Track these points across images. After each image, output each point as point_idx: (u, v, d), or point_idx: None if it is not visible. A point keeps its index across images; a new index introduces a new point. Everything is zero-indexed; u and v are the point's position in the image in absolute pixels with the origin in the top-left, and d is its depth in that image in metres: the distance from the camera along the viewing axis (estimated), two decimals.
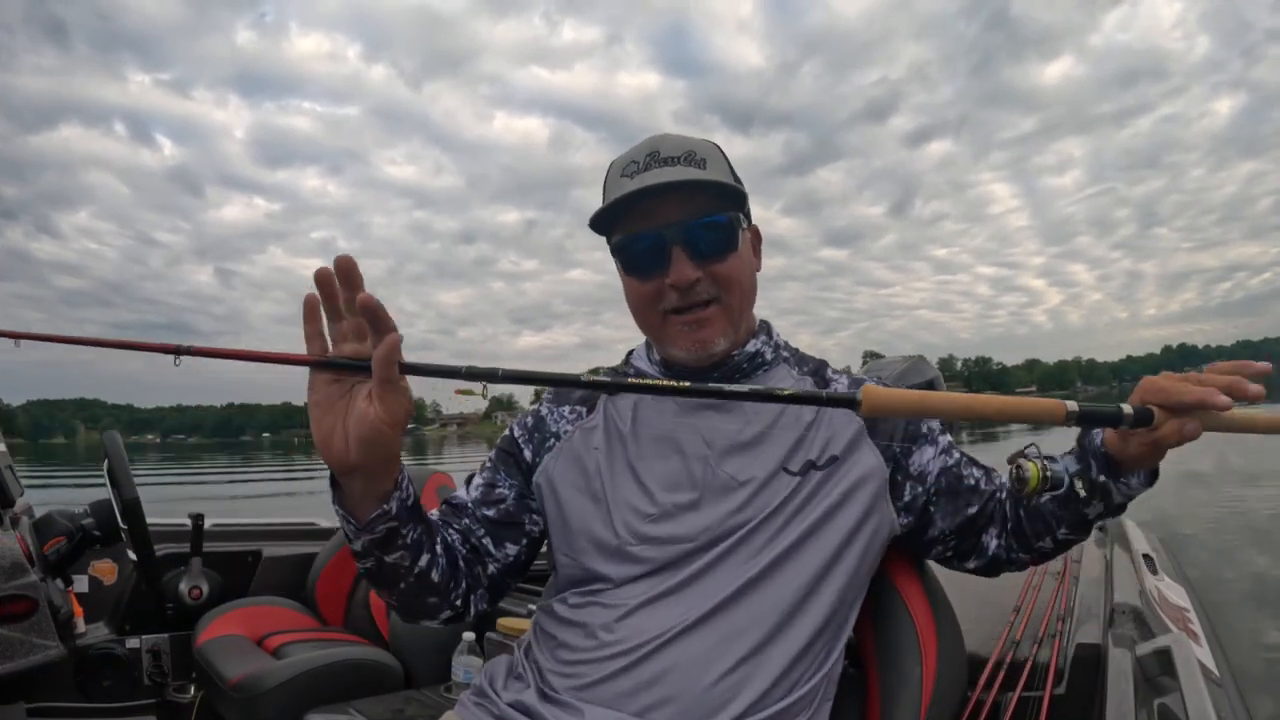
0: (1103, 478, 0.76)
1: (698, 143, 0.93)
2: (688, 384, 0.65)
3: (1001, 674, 1.17)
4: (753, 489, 0.88)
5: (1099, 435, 0.77)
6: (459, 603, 0.91)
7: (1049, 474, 0.71)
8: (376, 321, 0.67)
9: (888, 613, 0.97)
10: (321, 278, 0.68)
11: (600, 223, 0.94)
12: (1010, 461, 0.73)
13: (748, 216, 0.96)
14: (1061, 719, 1.11)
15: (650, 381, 0.67)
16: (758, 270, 0.99)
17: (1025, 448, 0.73)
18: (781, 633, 0.84)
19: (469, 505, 0.97)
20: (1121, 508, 0.81)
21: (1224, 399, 0.64)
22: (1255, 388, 0.65)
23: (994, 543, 0.92)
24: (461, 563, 0.91)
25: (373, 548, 0.79)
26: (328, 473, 0.77)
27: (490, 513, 0.96)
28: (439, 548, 0.87)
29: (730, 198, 0.91)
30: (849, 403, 0.61)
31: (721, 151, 0.95)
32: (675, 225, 0.88)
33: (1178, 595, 1.61)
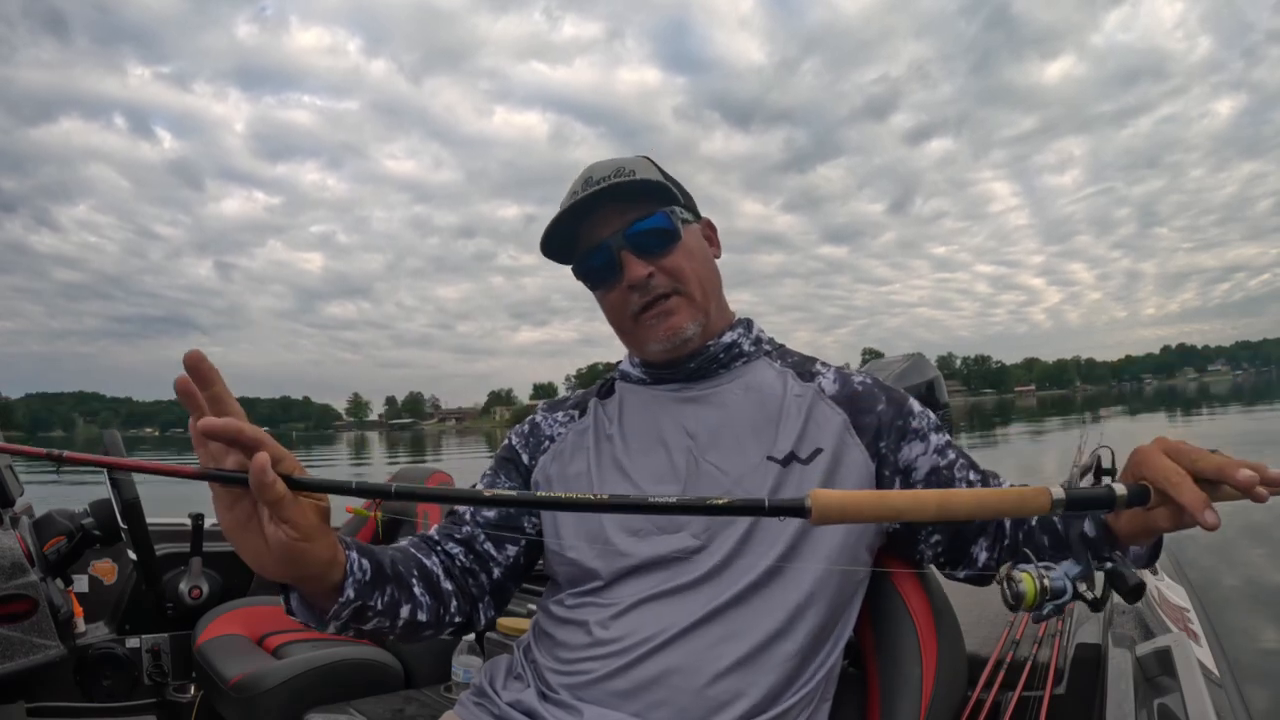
0: (1110, 564, 0.69)
1: (627, 159, 0.98)
2: (607, 496, 0.55)
3: (1001, 674, 1.17)
4: (735, 479, 0.89)
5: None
6: (458, 620, 0.92)
7: (1047, 583, 0.65)
8: (234, 442, 0.60)
9: (888, 613, 0.97)
10: (181, 390, 0.59)
11: (560, 255, 0.98)
12: (1000, 579, 0.67)
13: (691, 209, 1.00)
14: (1061, 719, 1.11)
15: (575, 497, 0.56)
16: (717, 257, 1.03)
17: (1013, 566, 0.67)
18: (780, 634, 0.84)
19: (470, 509, 0.98)
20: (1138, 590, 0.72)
21: (1213, 519, 0.59)
22: (1245, 478, 0.58)
23: (984, 555, 0.92)
24: (452, 584, 0.91)
25: (345, 626, 0.77)
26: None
27: (490, 514, 0.97)
28: (418, 589, 0.86)
29: (660, 196, 0.94)
30: (796, 512, 0.53)
31: (653, 161, 1.00)
32: (617, 233, 0.93)
33: (1178, 595, 1.61)
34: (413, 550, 0.91)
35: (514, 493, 0.58)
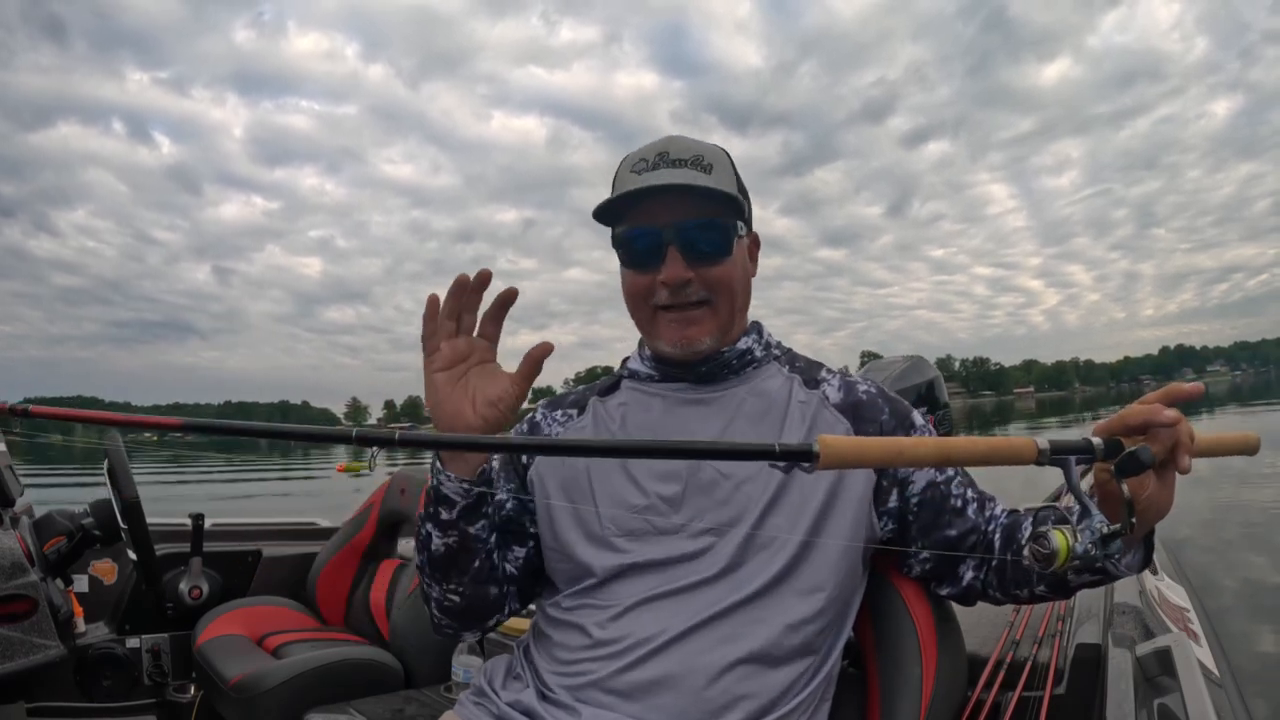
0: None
1: (707, 148, 0.94)
2: (622, 440, 0.58)
3: (1001, 674, 1.17)
4: (736, 482, 0.88)
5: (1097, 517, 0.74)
6: (513, 604, 0.97)
7: (1077, 534, 0.63)
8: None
9: (888, 613, 0.97)
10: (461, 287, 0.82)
11: (606, 214, 0.95)
12: (1029, 541, 0.65)
13: (748, 224, 0.97)
14: (1061, 719, 1.11)
15: (579, 441, 0.61)
16: (753, 275, 1.00)
17: (1038, 525, 0.66)
18: (781, 639, 0.84)
19: None
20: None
21: (1170, 413, 0.67)
22: (1190, 386, 0.70)
23: (970, 575, 0.92)
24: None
25: (461, 517, 0.87)
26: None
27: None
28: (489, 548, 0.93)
29: (729, 205, 0.92)
30: (803, 456, 0.55)
31: (730, 158, 0.96)
32: (672, 225, 0.90)
33: (1178, 595, 1.61)
34: None
35: (513, 439, 0.63)
